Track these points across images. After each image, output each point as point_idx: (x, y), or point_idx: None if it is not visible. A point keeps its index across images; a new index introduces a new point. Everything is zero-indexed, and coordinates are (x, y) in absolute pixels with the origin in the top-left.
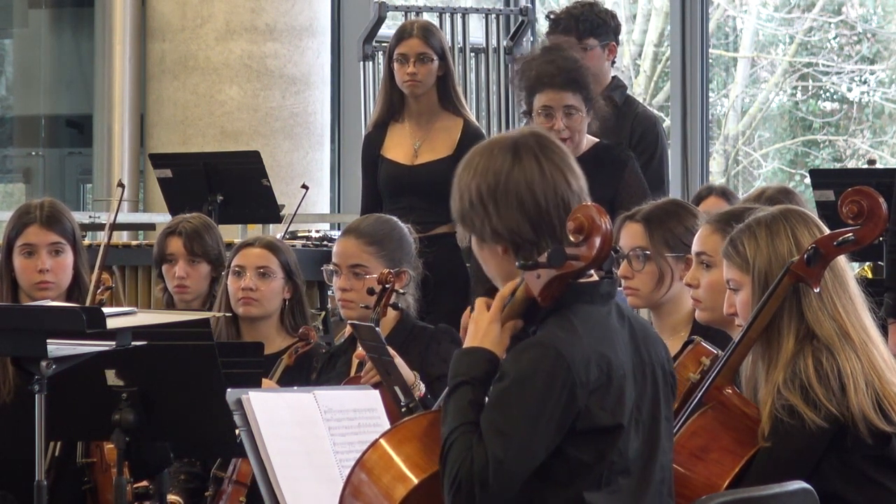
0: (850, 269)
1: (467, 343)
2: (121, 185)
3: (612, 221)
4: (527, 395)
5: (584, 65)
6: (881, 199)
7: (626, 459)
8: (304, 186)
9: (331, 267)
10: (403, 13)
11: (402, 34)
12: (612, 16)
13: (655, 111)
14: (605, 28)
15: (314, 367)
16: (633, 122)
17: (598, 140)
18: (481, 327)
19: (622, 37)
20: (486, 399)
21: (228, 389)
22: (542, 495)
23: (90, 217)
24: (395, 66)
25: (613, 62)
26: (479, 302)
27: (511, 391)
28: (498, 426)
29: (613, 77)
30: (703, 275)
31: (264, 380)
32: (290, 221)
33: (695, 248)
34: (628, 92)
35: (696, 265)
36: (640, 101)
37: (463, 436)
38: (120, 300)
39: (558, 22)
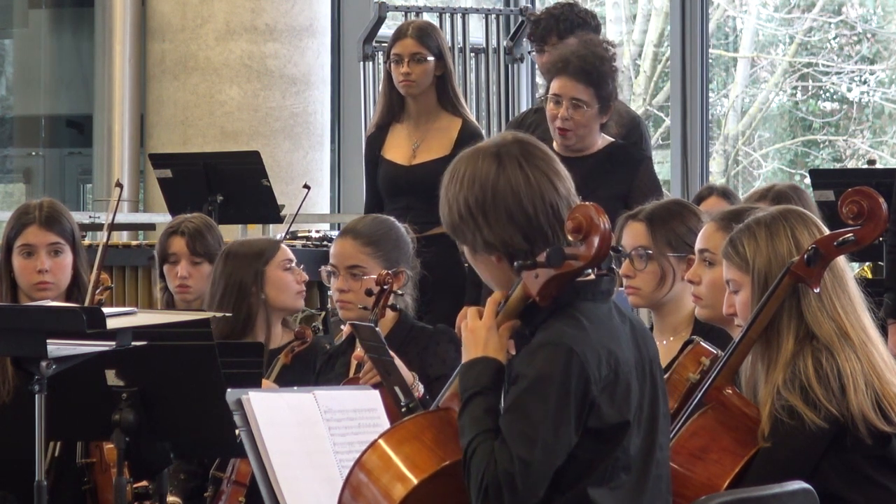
0: (849, 270)
1: (468, 354)
2: (119, 185)
3: (618, 220)
4: (547, 397)
5: (610, 65)
6: (881, 200)
7: (629, 456)
8: (306, 186)
9: (328, 268)
10: (403, 13)
11: (398, 35)
12: (593, 16)
13: (655, 111)
14: (585, 28)
15: (314, 365)
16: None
17: (612, 140)
18: (480, 336)
19: (622, 37)
20: (503, 404)
21: (228, 389)
22: (549, 493)
23: (90, 217)
24: (392, 66)
25: None
26: (472, 311)
27: (530, 393)
28: (521, 429)
29: None
30: (706, 272)
31: (264, 380)
32: (293, 221)
33: (698, 244)
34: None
35: (698, 262)
36: (641, 101)
37: (484, 443)
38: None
39: (538, 22)
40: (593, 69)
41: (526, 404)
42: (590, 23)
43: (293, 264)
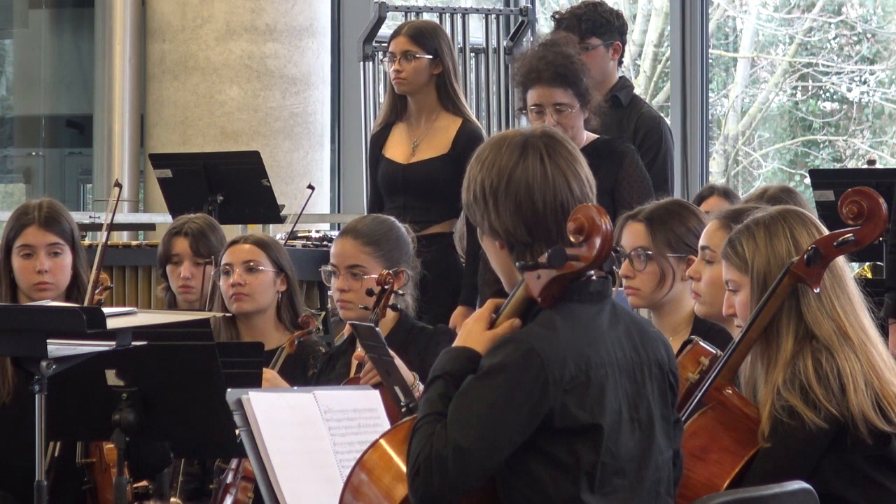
0: (848, 270)
1: (455, 345)
2: (117, 184)
3: (612, 213)
4: (493, 387)
5: (577, 60)
6: (881, 200)
7: (620, 460)
8: (311, 187)
9: (329, 268)
10: (403, 13)
11: (393, 33)
12: (618, 15)
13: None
14: (608, 27)
15: (311, 365)
16: (637, 121)
17: (596, 136)
18: (466, 328)
19: None
20: None
21: (228, 389)
22: (531, 498)
23: (90, 217)
24: (387, 64)
25: (621, 62)
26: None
27: (479, 383)
28: (461, 414)
29: (620, 77)
30: (706, 269)
31: (265, 369)
32: (297, 221)
33: (701, 241)
34: (634, 92)
35: (699, 259)
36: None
37: (427, 424)
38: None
39: (561, 21)
40: (566, 70)
41: (472, 393)
42: (613, 22)
43: (231, 267)
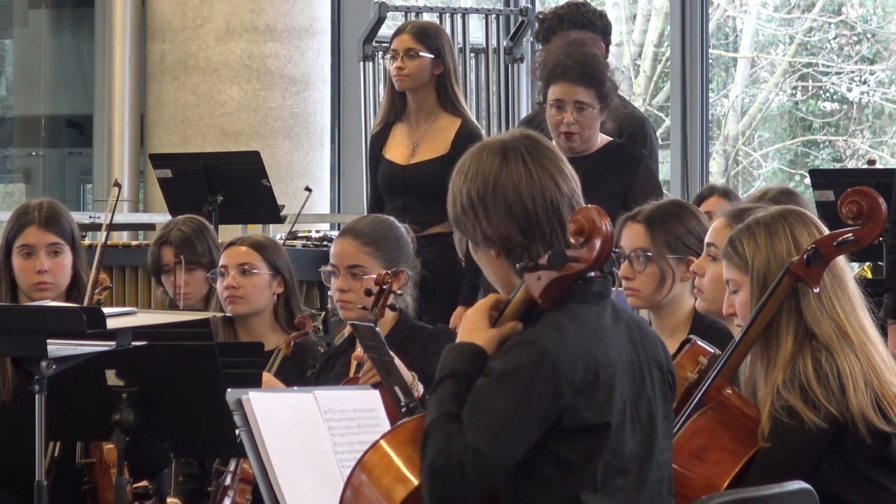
0: (848, 270)
1: (458, 339)
2: (117, 184)
3: (616, 221)
4: (509, 390)
5: (603, 61)
6: (881, 200)
7: (622, 459)
8: (308, 189)
9: (328, 268)
10: (403, 13)
11: (396, 32)
12: (601, 15)
13: (655, 111)
14: (590, 28)
15: (310, 365)
16: (621, 122)
17: (611, 139)
18: (469, 320)
19: (622, 37)
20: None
21: (228, 389)
22: (536, 497)
23: (90, 217)
24: (390, 62)
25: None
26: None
27: (493, 385)
28: (479, 419)
29: None
30: (710, 266)
31: (263, 372)
32: (295, 222)
33: (707, 238)
34: (619, 92)
35: (704, 255)
36: (640, 101)
37: (442, 426)
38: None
39: (543, 21)
40: (592, 70)
41: (488, 396)
42: (596, 23)
43: (227, 269)
